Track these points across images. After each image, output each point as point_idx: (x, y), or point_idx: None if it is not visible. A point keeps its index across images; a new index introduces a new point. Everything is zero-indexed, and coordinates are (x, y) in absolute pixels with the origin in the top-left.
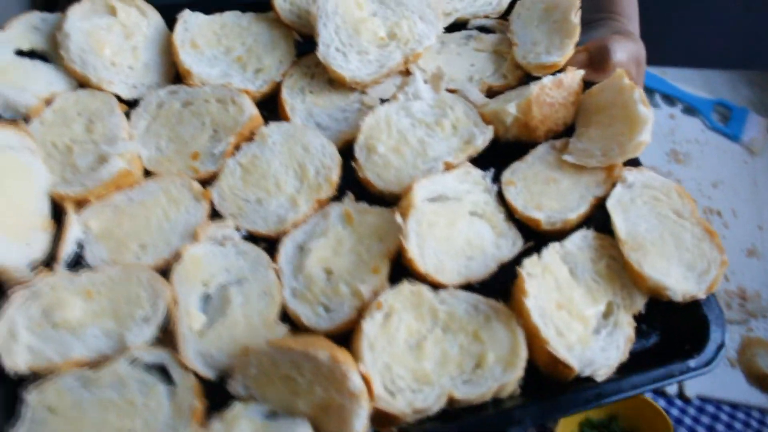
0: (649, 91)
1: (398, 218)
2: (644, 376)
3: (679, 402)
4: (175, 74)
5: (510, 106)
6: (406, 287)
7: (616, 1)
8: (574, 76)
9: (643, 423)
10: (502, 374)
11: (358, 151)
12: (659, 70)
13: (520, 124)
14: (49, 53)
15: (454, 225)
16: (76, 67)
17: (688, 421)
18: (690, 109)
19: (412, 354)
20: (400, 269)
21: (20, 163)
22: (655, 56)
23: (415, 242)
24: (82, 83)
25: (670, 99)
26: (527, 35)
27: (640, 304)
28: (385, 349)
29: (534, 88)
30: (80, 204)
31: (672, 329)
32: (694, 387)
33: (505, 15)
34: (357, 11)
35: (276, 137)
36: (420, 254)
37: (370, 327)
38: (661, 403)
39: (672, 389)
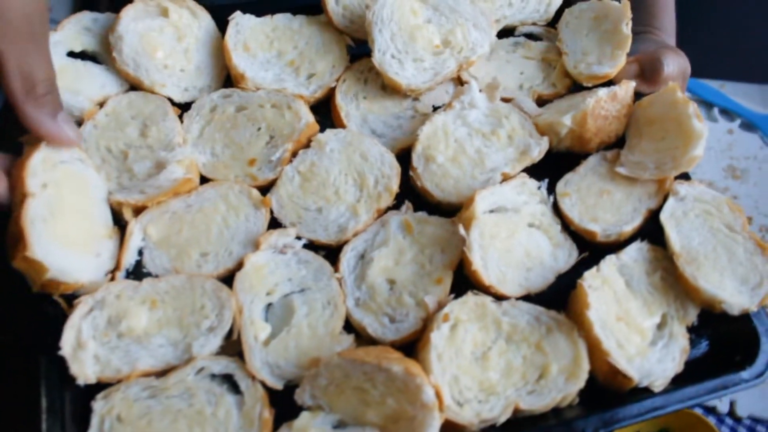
0: (708, 104)
1: (461, 230)
2: (699, 387)
3: (729, 421)
4: (226, 77)
5: (566, 118)
6: (470, 299)
7: (655, 15)
8: (628, 89)
9: None
10: (564, 385)
11: (416, 160)
12: (718, 84)
13: (575, 136)
14: (100, 54)
15: (513, 236)
16: (129, 70)
17: None
18: (748, 125)
19: (477, 365)
20: (457, 280)
21: (75, 175)
22: (715, 70)
23: (479, 254)
24: (133, 86)
25: (728, 114)
26: (577, 44)
27: (693, 315)
28: (452, 360)
29: (590, 101)
30: (137, 210)
31: (721, 340)
32: (745, 406)
33: (553, 23)
34: (412, 18)
35: (333, 145)
36: (484, 266)
37: (438, 338)
38: (711, 421)
39: (723, 407)
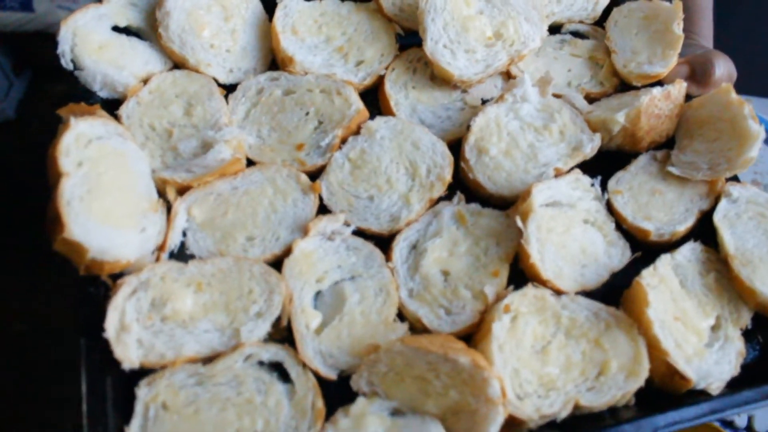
0: None
1: (519, 222)
2: (757, 392)
3: None
4: (271, 60)
5: (619, 115)
6: (530, 291)
7: (693, 21)
8: (681, 89)
9: None
10: (624, 383)
11: (469, 152)
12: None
13: (627, 134)
14: (144, 31)
15: (569, 232)
16: (174, 47)
17: None
18: None
19: (537, 359)
20: (511, 274)
21: (114, 151)
22: (741, 85)
23: (536, 247)
24: (178, 64)
25: None
26: (626, 43)
27: (746, 318)
28: (513, 352)
29: (644, 98)
30: (181, 191)
31: None
32: (764, 421)
33: (600, 21)
34: (465, 8)
35: (384, 132)
36: (541, 259)
37: (499, 329)
38: None
39: (741, 422)
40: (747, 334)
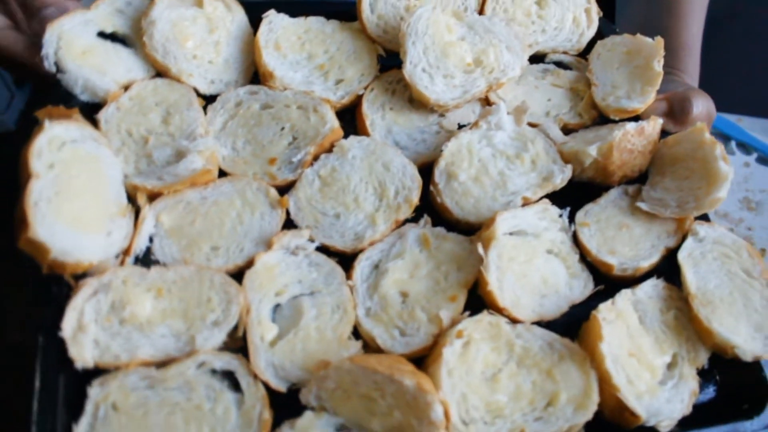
0: (725, 138)
1: (480, 249)
2: None
3: None
4: (253, 74)
5: (591, 149)
6: (485, 318)
7: (679, 58)
8: (656, 125)
9: None
10: (572, 415)
11: (438, 176)
12: (735, 118)
13: (598, 167)
14: (129, 38)
15: (531, 262)
16: (157, 56)
17: None
18: (765, 159)
19: (487, 386)
20: (470, 300)
21: (87, 154)
22: (732, 104)
23: (496, 275)
24: (160, 72)
25: (745, 147)
26: (607, 77)
27: (703, 358)
28: (462, 378)
29: (617, 133)
30: (152, 197)
31: (730, 386)
32: None
33: (584, 53)
34: (446, 34)
35: (356, 152)
36: (499, 287)
37: (450, 354)
38: None
39: None
40: (704, 374)
